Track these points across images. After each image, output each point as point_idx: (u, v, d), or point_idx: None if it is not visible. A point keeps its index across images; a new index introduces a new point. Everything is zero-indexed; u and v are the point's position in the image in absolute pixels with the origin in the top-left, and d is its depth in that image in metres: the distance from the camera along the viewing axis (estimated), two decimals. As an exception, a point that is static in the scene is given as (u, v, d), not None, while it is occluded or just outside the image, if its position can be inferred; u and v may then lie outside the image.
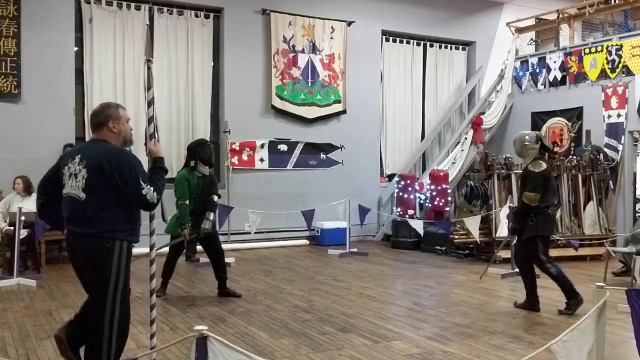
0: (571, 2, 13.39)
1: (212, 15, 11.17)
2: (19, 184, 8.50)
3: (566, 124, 11.58)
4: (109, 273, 3.41)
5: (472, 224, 8.97)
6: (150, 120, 3.85)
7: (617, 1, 12.62)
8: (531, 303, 6.21)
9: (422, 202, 11.69)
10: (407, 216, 11.08)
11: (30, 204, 8.25)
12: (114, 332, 3.43)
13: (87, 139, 9.84)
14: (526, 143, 6.38)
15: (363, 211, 10.38)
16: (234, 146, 11.05)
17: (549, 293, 7.08)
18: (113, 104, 3.71)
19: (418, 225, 10.06)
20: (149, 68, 3.87)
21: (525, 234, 6.20)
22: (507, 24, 13.61)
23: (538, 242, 6.16)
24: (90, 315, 3.50)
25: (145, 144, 3.87)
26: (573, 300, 6.02)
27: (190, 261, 9.24)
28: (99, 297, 3.44)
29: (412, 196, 11.64)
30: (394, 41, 13.14)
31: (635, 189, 10.28)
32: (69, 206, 3.46)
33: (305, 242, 11.29)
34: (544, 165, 6.23)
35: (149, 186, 3.39)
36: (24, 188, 8.43)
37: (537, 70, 12.69)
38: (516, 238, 6.62)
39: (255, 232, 10.13)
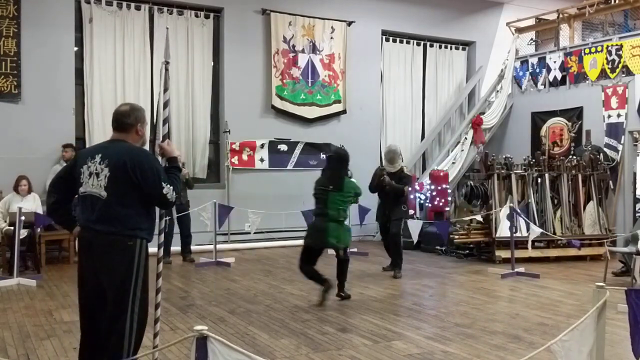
0: (571, 2, 13.39)
1: (212, 15, 11.18)
2: (25, 185, 8.49)
3: (566, 124, 11.58)
4: (130, 272, 3.42)
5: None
6: (165, 121, 3.86)
7: (617, 1, 12.63)
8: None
9: (422, 202, 11.69)
10: (407, 216, 11.07)
11: (29, 204, 8.25)
12: (134, 329, 3.47)
13: (87, 139, 9.87)
14: (399, 153, 8.85)
15: (363, 211, 10.38)
16: (234, 146, 11.05)
17: (549, 293, 7.09)
18: (138, 105, 3.74)
19: (415, 227, 9.92)
20: (166, 70, 3.87)
21: (396, 215, 8.34)
22: (507, 24, 13.61)
23: (402, 222, 8.44)
24: (110, 316, 3.47)
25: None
26: (396, 268, 8.24)
27: (186, 260, 9.25)
28: (120, 296, 3.43)
29: (412, 196, 11.62)
30: (394, 41, 13.14)
31: (635, 189, 10.28)
32: (89, 205, 3.44)
33: (305, 242, 11.27)
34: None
35: (168, 185, 3.42)
36: (28, 190, 8.47)
37: (537, 70, 12.69)
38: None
39: (255, 232, 10.12)
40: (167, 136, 3.82)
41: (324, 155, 11.86)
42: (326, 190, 6.66)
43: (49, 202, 3.66)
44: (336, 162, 6.87)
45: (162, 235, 3.88)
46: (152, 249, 3.59)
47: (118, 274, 3.42)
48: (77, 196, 3.57)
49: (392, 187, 8.25)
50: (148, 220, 3.54)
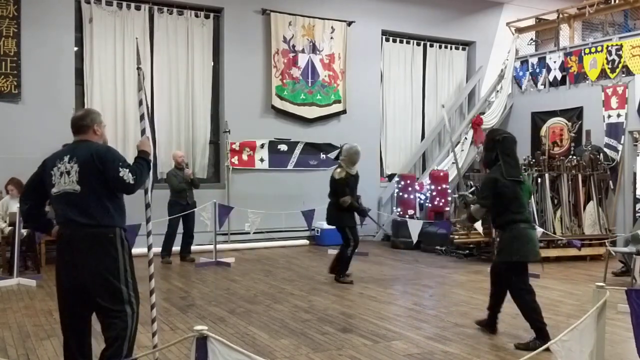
0: (571, 2, 13.39)
1: (212, 15, 11.18)
2: (12, 189, 8.41)
3: (566, 124, 11.57)
4: (117, 263, 3.58)
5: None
6: (142, 117, 4.14)
7: (617, 1, 12.63)
8: None
9: (422, 202, 11.70)
10: (407, 216, 11.08)
11: None
12: (135, 314, 3.64)
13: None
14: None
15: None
16: (234, 146, 11.05)
17: (549, 293, 7.08)
18: (94, 109, 4.00)
19: (415, 227, 9.93)
20: (138, 74, 4.23)
21: (334, 223, 7.87)
22: (507, 24, 13.61)
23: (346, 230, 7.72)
24: (107, 308, 3.57)
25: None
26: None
27: (185, 260, 9.25)
28: (113, 289, 3.55)
29: (412, 196, 11.65)
30: (394, 41, 13.14)
31: (635, 189, 10.27)
32: (64, 202, 3.56)
33: (305, 242, 11.28)
34: None
35: (125, 169, 3.58)
36: (18, 192, 8.34)
37: (537, 70, 12.69)
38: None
39: (255, 232, 10.12)
40: (144, 132, 4.05)
41: (324, 156, 11.88)
42: (521, 183, 5.22)
43: (23, 210, 3.77)
44: (515, 145, 5.34)
45: (152, 236, 4.08)
46: (144, 249, 3.64)
47: (104, 268, 3.54)
48: (49, 200, 3.69)
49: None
50: (121, 210, 3.71)
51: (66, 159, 3.59)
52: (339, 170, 7.70)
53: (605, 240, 9.00)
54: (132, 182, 3.58)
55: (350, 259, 7.82)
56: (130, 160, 3.79)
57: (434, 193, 11.34)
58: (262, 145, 11.39)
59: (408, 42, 13.31)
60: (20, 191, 8.19)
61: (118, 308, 3.56)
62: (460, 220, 5.78)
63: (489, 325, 5.39)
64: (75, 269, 3.54)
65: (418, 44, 13.45)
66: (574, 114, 11.67)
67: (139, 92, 4.19)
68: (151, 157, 3.92)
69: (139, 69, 4.23)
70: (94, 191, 3.55)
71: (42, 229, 3.95)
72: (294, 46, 11.71)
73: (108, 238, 3.56)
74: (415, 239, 9.93)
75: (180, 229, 9.25)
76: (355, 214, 7.94)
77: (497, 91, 13.17)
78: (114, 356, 3.54)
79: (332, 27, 12.07)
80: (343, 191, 7.55)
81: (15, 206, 7.96)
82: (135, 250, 3.92)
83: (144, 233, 4.24)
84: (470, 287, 7.48)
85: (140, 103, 4.14)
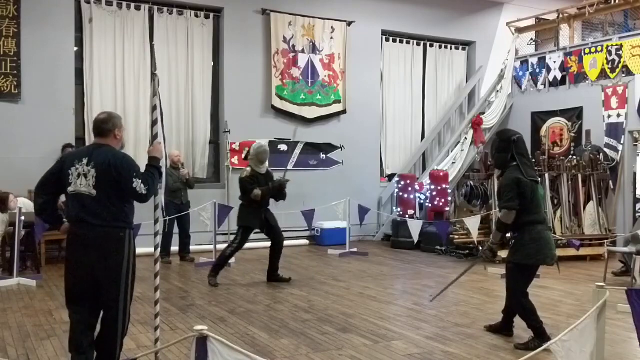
0: (571, 2, 13.39)
1: (212, 15, 11.17)
2: (12, 201, 8.12)
3: (566, 124, 11.58)
4: (122, 259, 3.80)
5: (472, 224, 8.98)
6: (154, 123, 4.18)
7: (617, 1, 12.63)
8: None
9: (422, 202, 11.69)
10: (407, 216, 11.08)
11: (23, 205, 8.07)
12: (127, 314, 3.88)
13: (87, 139, 9.87)
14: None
15: (363, 211, 10.38)
16: (234, 146, 11.05)
17: (549, 293, 7.09)
18: (115, 114, 4.15)
19: (415, 227, 9.93)
20: (152, 80, 4.25)
21: (274, 220, 7.84)
22: (507, 24, 13.61)
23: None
24: (103, 303, 3.81)
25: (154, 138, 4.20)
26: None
27: (184, 260, 9.25)
28: (114, 284, 3.78)
29: (412, 196, 11.65)
30: (394, 41, 13.14)
31: (635, 189, 10.26)
32: (79, 202, 3.77)
33: (305, 242, 11.28)
34: None
35: (139, 180, 3.78)
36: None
37: (537, 70, 12.69)
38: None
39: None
40: (155, 137, 4.13)
41: (324, 156, 11.89)
42: (537, 183, 5.21)
43: (39, 203, 3.95)
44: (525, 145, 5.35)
45: (159, 236, 4.17)
46: (149, 248, 3.69)
47: (113, 263, 3.77)
48: (63, 195, 3.89)
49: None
50: (131, 213, 3.95)
51: (85, 161, 3.79)
52: (248, 169, 7.61)
53: (605, 240, 9.00)
54: (144, 192, 3.78)
55: (227, 260, 7.64)
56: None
57: (434, 193, 11.34)
58: (262, 145, 11.38)
59: (408, 42, 13.31)
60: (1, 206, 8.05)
61: (114, 301, 3.79)
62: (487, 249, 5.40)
63: (505, 328, 5.34)
64: (87, 266, 3.75)
65: (418, 44, 13.45)
66: (574, 114, 11.68)
67: (154, 98, 4.22)
68: (162, 163, 4.05)
69: (154, 74, 4.28)
70: (109, 197, 3.76)
71: (53, 223, 4.14)
72: (294, 46, 11.71)
73: (119, 237, 3.79)
74: (415, 239, 9.95)
75: (176, 229, 9.26)
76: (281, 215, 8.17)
77: (497, 91, 13.17)
78: (109, 350, 3.83)
79: (332, 27, 12.07)
80: (250, 188, 7.41)
81: (3, 218, 7.88)
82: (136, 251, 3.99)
83: (144, 233, 4.29)
84: (470, 287, 7.48)
85: (155, 108, 4.19)
